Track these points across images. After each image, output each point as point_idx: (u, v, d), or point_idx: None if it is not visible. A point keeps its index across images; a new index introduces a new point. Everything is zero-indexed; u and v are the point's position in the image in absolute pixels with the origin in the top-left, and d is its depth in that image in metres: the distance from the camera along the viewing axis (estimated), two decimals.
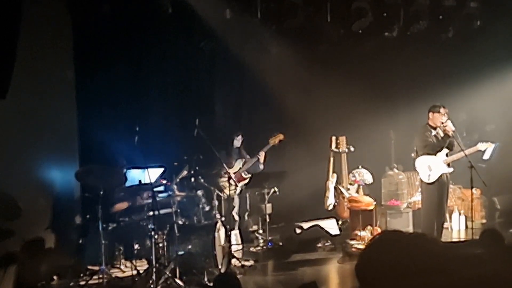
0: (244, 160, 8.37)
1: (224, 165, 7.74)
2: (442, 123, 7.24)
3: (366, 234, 7.83)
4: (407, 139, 8.15)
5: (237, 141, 8.41)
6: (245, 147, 8.49)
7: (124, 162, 6.98)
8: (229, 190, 7.81)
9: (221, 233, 6.79)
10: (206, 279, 6.23)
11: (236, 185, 7.96)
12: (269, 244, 8.11)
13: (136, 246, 6.59)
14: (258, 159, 8.23)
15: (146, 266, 6.41)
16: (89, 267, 6.40)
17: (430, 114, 7.36)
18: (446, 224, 8.07)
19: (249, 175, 8.29)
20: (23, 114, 6.22)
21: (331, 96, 9.23)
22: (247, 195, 8.66)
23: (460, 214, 8.88)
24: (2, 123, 6.08)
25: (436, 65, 9.72)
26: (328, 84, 9.23)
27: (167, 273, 6.12)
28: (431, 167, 7.26)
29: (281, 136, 8.27)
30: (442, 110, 7.30)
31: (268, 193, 8.17)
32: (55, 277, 6.33)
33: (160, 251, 6.39)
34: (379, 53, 9.45)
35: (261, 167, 8.31)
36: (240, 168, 8.30)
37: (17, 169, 6.33)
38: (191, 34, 8.72)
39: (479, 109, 9.63)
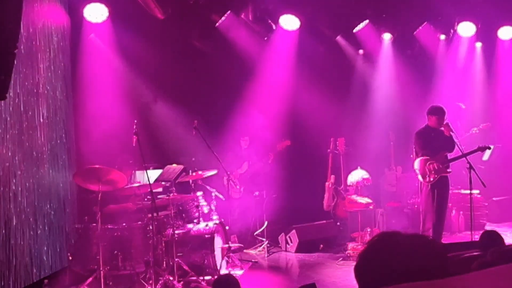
0: (248, 162, 8.48)
1: (223, 166, 7.74)
2: (443, 124, 7.22)
3: (365, 235, 7.82)
4: (407, 140, 8.13)
5: (244, 143, 8.65)
6: (251, 148, 8.60)
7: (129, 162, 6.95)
8: (229, 192, 7.82)
9: (220, 234, 6.78)
10: (205, 281, 6.22)
11: (236, 186, 8.03)
12: (268, 245, 8.11)
13: (134, 248, 6.56)
14: (265, 161, 8.36)
15: (144, 268, 6.39)
16: (87, 269, 6.36)
17: (430, 116, 7.32)
18: (445, 225, 8.05)
19: (249, 177, 8.37)
20: (21, 112, 6.17)
21: (330, 96, 9.22)
22: (247, 196, 8.64)
23: (459, 215, 8.87)
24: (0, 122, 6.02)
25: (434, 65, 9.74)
26: (327, 85, 9.22)
27: (166, 275, 6.11)
28: (430, 168, 7.24)
29: (288, 143, 8.56)
30: (442, 112, 7.27)
31: (267, 195, 8.15)
32: (45, 281, 6.27)
33: (159, 253, 6.37)
34: (378, 53, 9.44)
35: (267, 169, 8.41)
36: (246, 170, 8.47)
37: (14, 168, 6.28)
38: (190, 34, 8.70)
39: (476, 108, 9.63)
